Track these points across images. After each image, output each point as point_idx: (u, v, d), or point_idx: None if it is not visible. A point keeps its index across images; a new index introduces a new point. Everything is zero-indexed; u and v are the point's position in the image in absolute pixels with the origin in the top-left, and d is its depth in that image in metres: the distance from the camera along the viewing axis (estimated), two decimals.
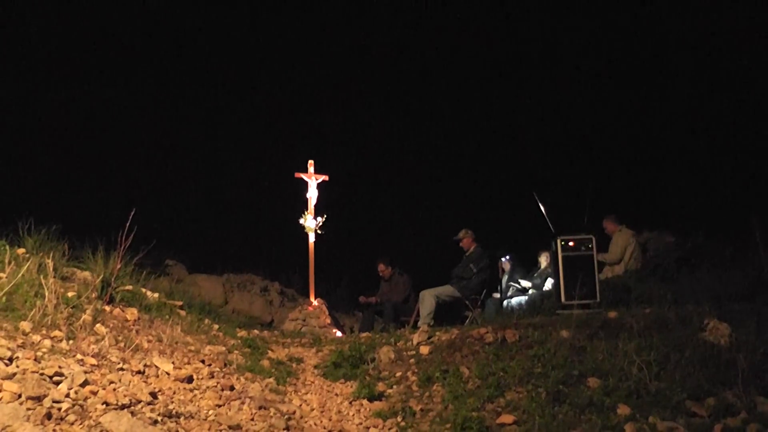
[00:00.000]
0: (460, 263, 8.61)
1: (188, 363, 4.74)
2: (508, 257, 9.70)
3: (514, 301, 8.98)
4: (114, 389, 3.74)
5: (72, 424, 3.27)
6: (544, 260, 9.30)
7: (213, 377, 4.60)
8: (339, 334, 8.62)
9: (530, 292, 9.06)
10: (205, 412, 3.97)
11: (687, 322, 5.05)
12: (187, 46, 19.44)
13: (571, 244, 6.48)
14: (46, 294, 4.54)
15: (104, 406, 3.50)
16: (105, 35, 17.73)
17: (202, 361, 4.87)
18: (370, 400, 4.86)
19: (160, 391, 4.02)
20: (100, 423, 3.33)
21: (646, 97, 18.17)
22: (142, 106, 16.15)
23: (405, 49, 22.05)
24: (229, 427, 3.82)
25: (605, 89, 18.74)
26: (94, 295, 5.21)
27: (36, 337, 4.11)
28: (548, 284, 8.78)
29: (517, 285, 9.25)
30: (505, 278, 9.41)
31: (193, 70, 19.81)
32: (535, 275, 9.31)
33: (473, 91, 20.38)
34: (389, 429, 4.43)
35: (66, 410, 3.34)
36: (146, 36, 18.78)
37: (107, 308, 5.22)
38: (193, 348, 5.19)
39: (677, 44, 17.90)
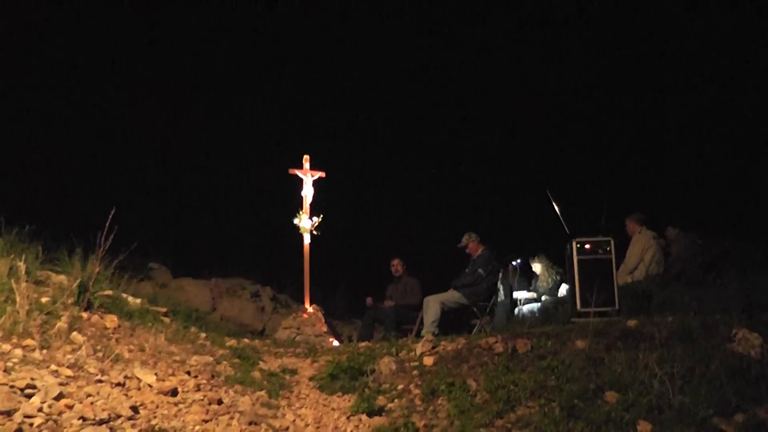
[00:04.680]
0: (467, 267, 8.58)
1: (173, 374, 4.73)
2: (518, 262, 9.72)
3: (526, 308, 8.99)
4: (91, 403, 3.73)
5: None
6: (537, 267, 9.34)
7: (199, 390, 4.59)
8: (336, 343, 8.64)
9: (543, 298, 9.07)
10: (190, 427, 3.95)
11: (713, 331, 5.03)
12: (177, 43, 19.48)
13: (587, 246, 6.46)
14: (18, 299, 4.54)
15: (81, 421, 3.48)
16: (91, 31, 17.77)
17: (188, 373, 4.86)
18: (370, 414, 4.85)
19: (141, 404, 4.01)
20: None
21: (669, 91, 18.18)
22: (126, 101, 16.15)
23: (408, 41, 22.09)
24: None
25: (626, 82, 18.76)
26: (70, 301, 5.21)
27: (6, 347, 4.10)
28: (563, 290, 8.78)
29: (522, 295, 9.29)
30: (516, 281, 9.44)
31: (179, 65, 19.84)
32: (537, 284, 9.36)
33: (482, 86, 20.42)
34: None
35: (39, 426, 3.33)
36: (136, 32, 18.82)
37: (85, 315, 5.22)
38: (178, 358, 5.18)
39: (703, 37, 17.88)
